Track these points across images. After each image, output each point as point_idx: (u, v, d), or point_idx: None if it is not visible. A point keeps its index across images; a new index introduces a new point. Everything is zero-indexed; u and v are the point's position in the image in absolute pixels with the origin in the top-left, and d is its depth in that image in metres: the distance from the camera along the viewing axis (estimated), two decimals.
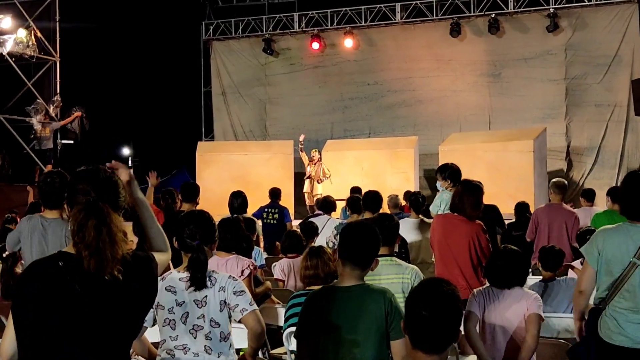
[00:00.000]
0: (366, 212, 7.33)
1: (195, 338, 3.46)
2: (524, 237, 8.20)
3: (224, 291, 3.54)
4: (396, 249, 5.14)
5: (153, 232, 2.89)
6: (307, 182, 15.53)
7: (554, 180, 8.35)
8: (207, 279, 3.54)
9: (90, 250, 2.42)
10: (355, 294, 3.31)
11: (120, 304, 2.50)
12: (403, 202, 11.65)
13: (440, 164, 8.37)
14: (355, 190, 9.96)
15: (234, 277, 3.64)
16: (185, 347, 3.47)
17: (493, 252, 4.59)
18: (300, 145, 15.26)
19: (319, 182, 15.11)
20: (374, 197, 7.40)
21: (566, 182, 8.36)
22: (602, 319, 3.73)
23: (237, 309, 3.56)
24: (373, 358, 3.24)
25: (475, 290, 4.40)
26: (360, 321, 3.24)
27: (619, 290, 3.61)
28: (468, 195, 5.47)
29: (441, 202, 7.38)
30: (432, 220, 8.07)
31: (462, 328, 4.50)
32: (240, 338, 4.82)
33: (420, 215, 8.04)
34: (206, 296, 3.51)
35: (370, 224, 3.59)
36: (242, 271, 5.40)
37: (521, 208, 9.42)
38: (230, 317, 3.59)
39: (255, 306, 3.63)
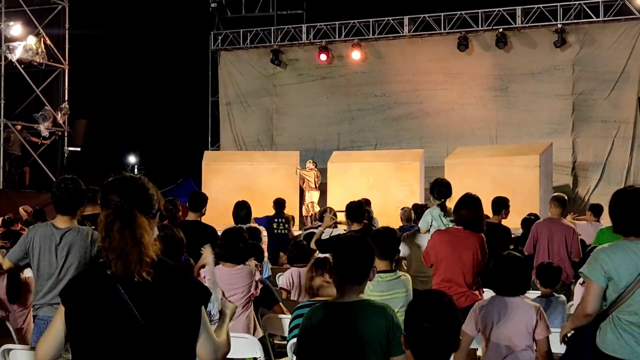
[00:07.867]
0: (353, 224, 7.03)
1: None
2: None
3: None
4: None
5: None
6: (306, 193, 15.78)
7: (554, 194, 8.45)
8: None
9: (116, 253, 2.43)
10: (357, 310, 3.24)
11: (153, 308, 2.47)
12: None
13: (443, 178, 8.36)
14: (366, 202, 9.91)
15: None
16: None
17: (497, 258, 4.49)
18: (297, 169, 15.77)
19: (307, 190, 15.46)
20: (356, 209, 7.09)
21: (566, 197, 8.40)
22: (602, 330, 3.72)
23: None
24: None
25: (476, 305, 4.37)
26: (363, 337, 3.20)
27: (622, 303, 3.62)
28: (468, 208, 5.67)
29: (432, 219, 7.41)
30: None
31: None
32: (242, 347, 4.83)
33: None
34: None
35: (360, 237, 3.52)
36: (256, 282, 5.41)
37: (528, 223, 9.40)
38: None
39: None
